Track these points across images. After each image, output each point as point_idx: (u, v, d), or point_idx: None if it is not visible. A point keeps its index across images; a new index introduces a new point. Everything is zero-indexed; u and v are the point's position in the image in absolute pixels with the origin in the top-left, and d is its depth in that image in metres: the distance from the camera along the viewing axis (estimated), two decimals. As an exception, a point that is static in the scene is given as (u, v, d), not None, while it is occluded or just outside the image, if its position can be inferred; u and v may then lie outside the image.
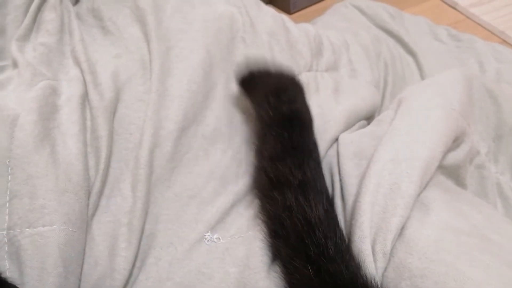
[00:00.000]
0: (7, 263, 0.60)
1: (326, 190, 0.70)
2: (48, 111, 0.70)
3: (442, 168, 0.75)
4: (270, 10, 1.00)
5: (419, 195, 0.66)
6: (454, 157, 0.76)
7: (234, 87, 0.85)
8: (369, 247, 0.62)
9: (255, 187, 0.73)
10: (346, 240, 0.64)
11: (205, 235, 0.69)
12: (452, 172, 0.77)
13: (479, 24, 1.41)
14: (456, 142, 0.76)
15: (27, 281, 0.58)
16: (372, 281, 0.57)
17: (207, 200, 0.73)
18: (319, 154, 0.74)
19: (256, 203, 0.72)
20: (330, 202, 0.69)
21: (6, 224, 0.61)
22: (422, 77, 1.17)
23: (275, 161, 0.68)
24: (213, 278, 0.65)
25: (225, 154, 0.78)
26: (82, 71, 0.78)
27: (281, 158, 0.69)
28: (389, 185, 0.65)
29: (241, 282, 0.63)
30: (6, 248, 0.60)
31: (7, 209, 0.62)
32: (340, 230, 0.65)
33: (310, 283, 0.57)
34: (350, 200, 0.69)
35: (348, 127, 0.85)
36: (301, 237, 0.60)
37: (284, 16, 1.01)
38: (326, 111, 0.86)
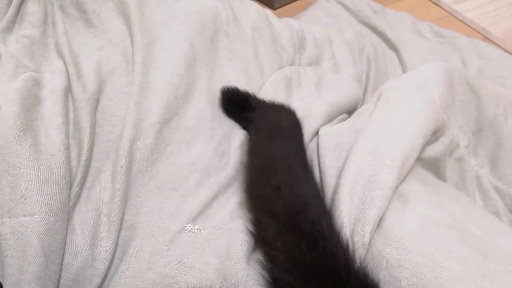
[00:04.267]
0: (-13, 253, 0.60)
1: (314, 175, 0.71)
2: (30, 102, 0.71)
3: (422, 161, 0.76)
4: (253, 4, 1.00)
5: (397, 187, 0.67)
6: (434, 149, 0.77)
7: (217, 80, 0.85)
8: (347, 238, 0.62)
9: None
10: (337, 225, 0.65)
11: (186, 226, 0.69)
12: (431, 165, 0.78)
13: (461, 21, 1.43)
14: (435, 135, 0.77)
15: (7, 270, 0.58)
16: (366, 268, 0.58)
17: (189, 192, 0.73)
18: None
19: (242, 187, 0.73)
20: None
21: (-14, 214, 0.61)
22: (405, 72, 1.18)
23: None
24: (194, 268, 0.65)
25: (207, 146, 0.78)
26: (65, 63, 0.79)
27: None
28: (368, 176, 0.66)
29: (221, 272, 0.64)
30: (-13, 237, 0.61)
31: (-13, 200, 0.62)
32: (330, 213, 0.65)
33: (300, 260, 0.57)
34: (329, 191, 0.69)
35: (329, 120, 0.86)
36: (293, 212, 0.61)
37: (268, 11, 1.01)
38: (308, 104, 0.87)
